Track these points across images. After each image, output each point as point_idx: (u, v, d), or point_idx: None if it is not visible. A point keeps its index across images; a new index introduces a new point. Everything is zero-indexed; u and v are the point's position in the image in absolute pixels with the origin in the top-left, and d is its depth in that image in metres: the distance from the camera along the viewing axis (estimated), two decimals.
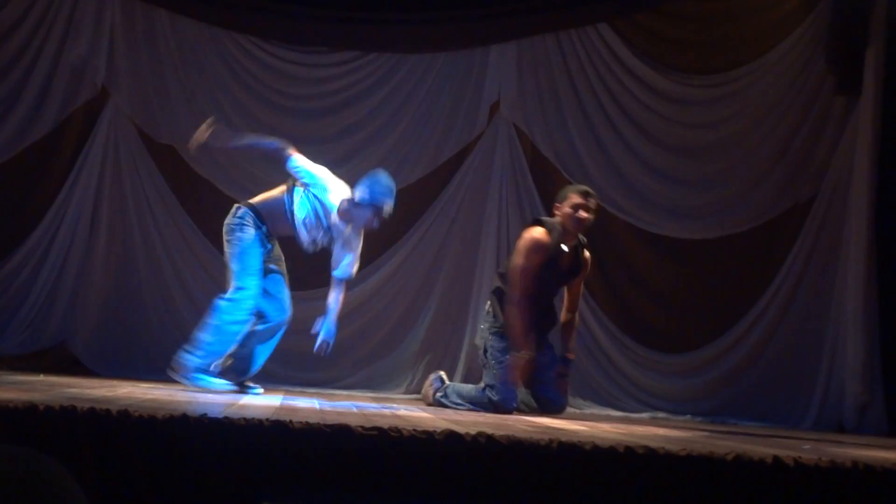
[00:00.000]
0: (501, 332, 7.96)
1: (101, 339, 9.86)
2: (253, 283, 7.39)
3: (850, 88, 9.97)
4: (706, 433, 6.93)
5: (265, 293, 7.56)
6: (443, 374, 8.41)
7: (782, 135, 10.18)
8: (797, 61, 10.17)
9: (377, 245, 10.12)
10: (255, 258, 7.44)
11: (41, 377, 7.92)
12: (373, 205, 7.40)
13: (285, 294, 7.70)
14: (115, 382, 8.46)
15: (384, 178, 7.50)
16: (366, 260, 10.10)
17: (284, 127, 10.20)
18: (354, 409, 6.60)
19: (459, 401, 7.87)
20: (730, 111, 10.31)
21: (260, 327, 7.59)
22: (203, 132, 7.35)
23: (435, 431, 4.28)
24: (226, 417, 4.26)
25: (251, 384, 7.64)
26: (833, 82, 10.09)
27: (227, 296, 7.38)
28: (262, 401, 6.55)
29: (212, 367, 7.42)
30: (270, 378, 9.87)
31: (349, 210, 7.49)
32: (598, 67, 10.29)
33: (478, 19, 10.28)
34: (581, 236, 7.95)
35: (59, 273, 9.89)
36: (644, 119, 10.28)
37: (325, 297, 10.08)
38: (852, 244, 9.73)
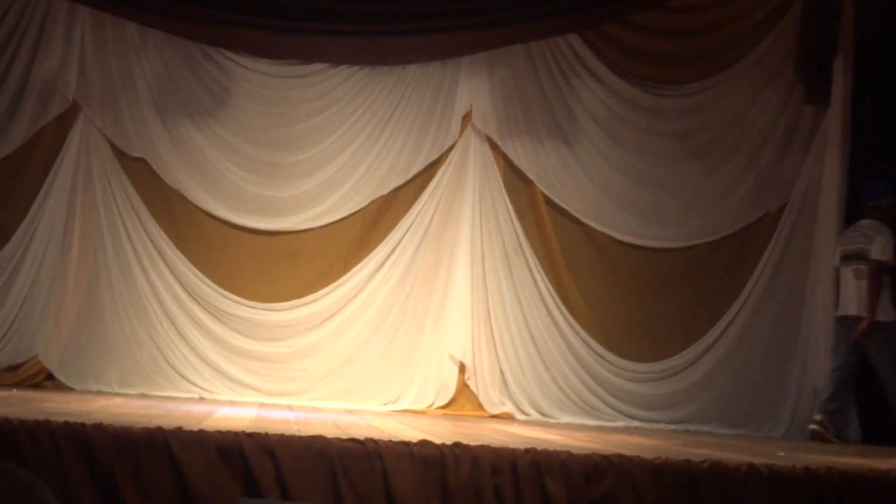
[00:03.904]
0: None
1: (74, 352, 9.81)
2: None
3: (818, 98, 10.05)
4: (681, 441, 6.96)
5: None
6: None
7: (752, 144, 10.25)
8: (766, 71, 10.25)
9: (350, 256, 10.12)
10: None
11: (14, 391, 7.89)
12: None
13: None
14: (88, 396, 8.45)
15: None
16: (338, 272, 10.13)
17: (255, 137, 10.20)
18: (329, 421, 6.60)
19: None
20: (700, 121, 10.36)
21: None
22: None
23: (411, 442, 4.30)
24: (201, 430, 4.25)
25: None
26: (802, 92, 10.17)
27: None
28: (237, 413, 6.55)
29: None
30: (245, 389, 9.88)
31: None
32: (569, 78, 10.32)
33: (449, 31, 10.28)
34: None
35: (32, 287, 9.84)
36: (615, 128, 10.32)
37: (295, 308, 10.16)
38: (822, 252, 9.80)
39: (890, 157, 9.70)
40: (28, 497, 2.06)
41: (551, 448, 4.50)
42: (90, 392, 9.39)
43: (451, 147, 10.25)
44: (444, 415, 9.60)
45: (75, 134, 10.00)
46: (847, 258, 9.22)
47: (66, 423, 4.17)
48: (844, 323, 9.18)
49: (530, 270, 10.13)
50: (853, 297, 9.13)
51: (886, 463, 5.23)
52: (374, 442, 4.29)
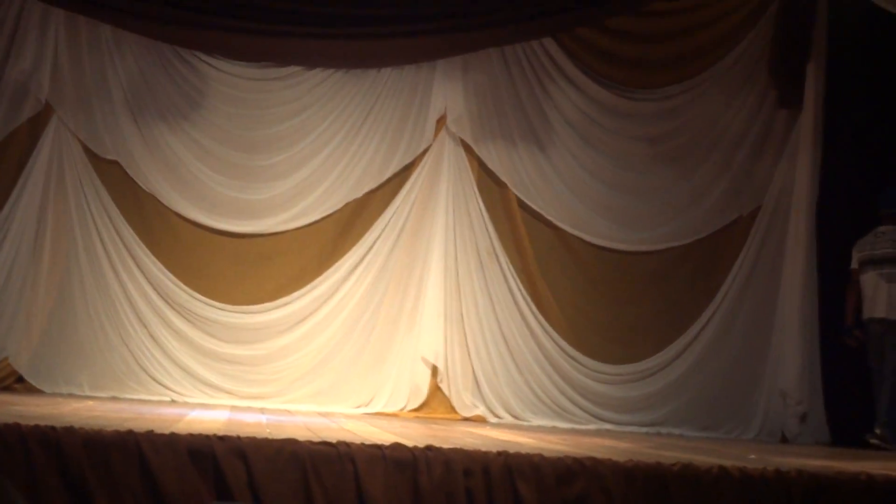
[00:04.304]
0: None
1: (44, 354, 9.76)
2: None
3: (791, 102, 10.12)
4: (652, 444, 6.98)
5: None
6: None
7: (726, 148, 10.30)
8: (740, 76, 10.31)
9: (323, 259, 10.12)
10: None
11: None
12: None
13: None
14: (59, 399, 8.41)
15: None
16: (311, 274, 10.13)
17: (229, 140, 10.18)
18: (301, 424, 6.59)
19: None
20: (674, 125, 10.41)
21: None
22: None
23: (383, 445, 4.30)
24: (172, 433, 4.24)
25: None
26: (775, 96, 10.23)
27: None
28: (209, 415, 6.53)
29: None
30: (217, 392, 9.85)
31: None
32: (544, 82, 10.35)
33: (424, 35, 10.28)
34: None
35: (3, 288, 9.78)
36: (589, 132, 10.35)
37: (268, 311, 10.15)
38: (794, 256, 9.86)
39: (861, 162, 9.78)
40: None
41: (523, 451, 4.51)
42: (61, 395, 9.35)
43: (426, 150, 10.27)
44: (417, 417, 9.60)
45: (48, 136, 9.96)
46: (873, 263, 9.10)
47: (37, 427, 4.15)
48: (871, 326, 9.07)
49: (503, 273, 10.15)
50: (884, 300, 9.03)
51: (856, 465, 5.26)
52: (347, 445, 4.29)
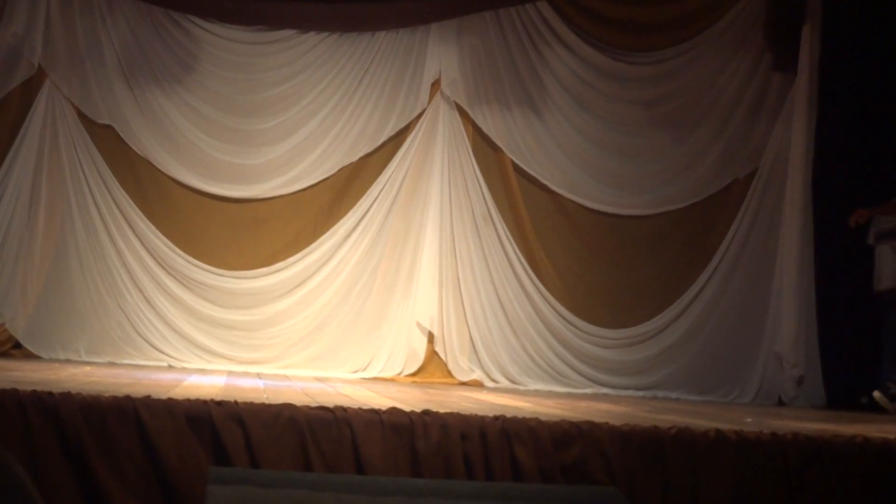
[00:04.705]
0: None
1: (41, 320, 9.77)
2: None
3: (787, 65, 10.07)
4: (649, 408, 7.00)
5: None
6: None
7: (721, 111, 10.27)
8: (735, 38, 10.27)
9: (319, 223, 10.11)
10: None
11: None
12: None
13: None
14: (56, 365, 8.41)
15: None
16: (307, 239, 10.12)
17: (223, 104, 10.15)
18: (298, 389, 6.60)
19: None
20: (669, 88, 10.37)
21: None
22: None
23: (380, 410, 4.30)
24: (170, 398, 4.25)
25: None
26: (770, 59, 10.19)
27: None
28: (206, 381, 6.54)
29: None
30: (214, 357, 9.86)
31: None
32: (538, 45, 10.31)
33: None
34: None
35: None
36: (584, 96, 10.32)
37: (264, 275, 10.14)
38: (790, 220, 9.85)
39: (856, 126, 9.76)
40: None
41: (520, 415, 4.51)
42: (58, 360, 9.36)
43: (420, 114, 10.24)
44: (414, 382, 9.62)
45: (41, 101, 9.92)
46: (882, 236, 9.03)
47: (34, 392, 4.15)
48: (885, 297, 9.03)
49: (499, 238, 10.14)
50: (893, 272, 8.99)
51: (852, 428, 5.28)
52: (344, 410, 4.30)
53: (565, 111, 10.32)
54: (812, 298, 9.77)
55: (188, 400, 4.27)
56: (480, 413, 4.47)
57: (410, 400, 5.69)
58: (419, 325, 10.00)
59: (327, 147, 10.20)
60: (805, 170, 9.86)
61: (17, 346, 9.62)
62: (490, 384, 9.86)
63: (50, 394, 4.15)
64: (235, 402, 4.26)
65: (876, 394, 8.63)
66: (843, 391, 9.35)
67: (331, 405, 4.35)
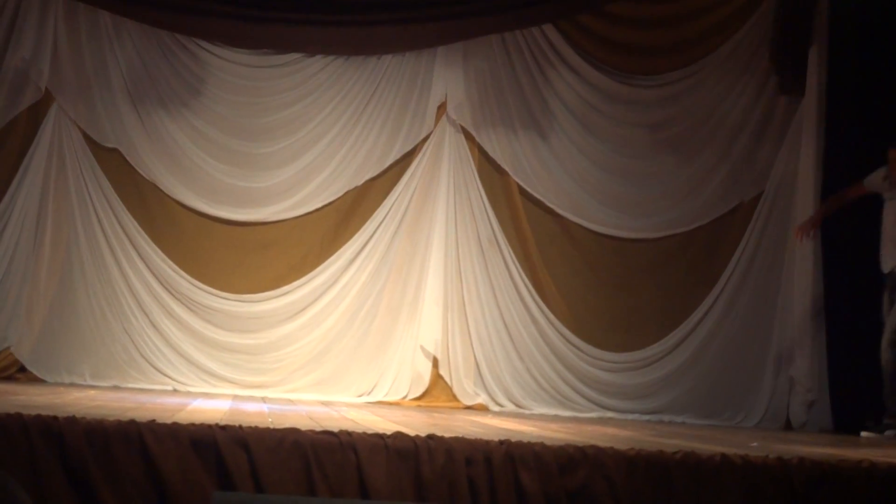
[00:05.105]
0: None
1: (46, 344, 9.76)
2: None
3: (793, 88, 10.09)
4: (654, 432, 6.98)
5: None
6: None
7: (726, 134, 10.28)
8: (741, 61, 10.28)
9: (324, 247, 10.11)
10: None
11: None
12: None
13: None
14: (61, 389, 8.41)
15: None
16: (312, 263, 10.12)
17: (229, 128, 10.16)
18: (303, 413, 6.59)
19: None
20: (674, 111, 10.38)
21: None
22: None
23: (385, 434, 4.29)
24: (174, 422, 4.24)
25: None
26: (776, 82, 10.21)
27: None
28: (211, 405, 6.53)
29: None
30: (219, 381, 9.85)
31: None
32: (544, 68, 10.33)
33: (424, 21, 10.26)
34: None
35: (4, 278, 9.77)
36: (590, 119, 10.33)
37: (270, 299, 10.12)
38: (796, 243, 9.83)
39: (864, 148, 9.75)
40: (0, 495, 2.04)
41: (525, 439, 4.50)
42: (63, 384, 9.35)
43: (426, 138, 10.24)
44: (419, 406, 9.60)
45: (48, 124, 9.93)
46: None
47: (39, 417, 4.15)
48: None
49: (505, 261, 10.14)
50: None
51: (857, 453, 5.26)
52: (349, 434, 4.29)
53: (570, 134, 10.33)
54: (823, 322, 9.77)
55: (193, 424, 4.26)
56: (485, 437, 4.46)
57: (415, 424, 5.68)
58: (424, 348, 9.99)
59: (333, 170, 10.20)
60: (814, 193, 9.86)
61: (22, 369, 9.60)
62: (495, 408, 9.83)
63: (54, 418, 4.15)
64: (240, 427, 4.26)
65: (864, 434, 8.58)
66: (851, 415, 9.32)
67: (335, 429, 4.34)
